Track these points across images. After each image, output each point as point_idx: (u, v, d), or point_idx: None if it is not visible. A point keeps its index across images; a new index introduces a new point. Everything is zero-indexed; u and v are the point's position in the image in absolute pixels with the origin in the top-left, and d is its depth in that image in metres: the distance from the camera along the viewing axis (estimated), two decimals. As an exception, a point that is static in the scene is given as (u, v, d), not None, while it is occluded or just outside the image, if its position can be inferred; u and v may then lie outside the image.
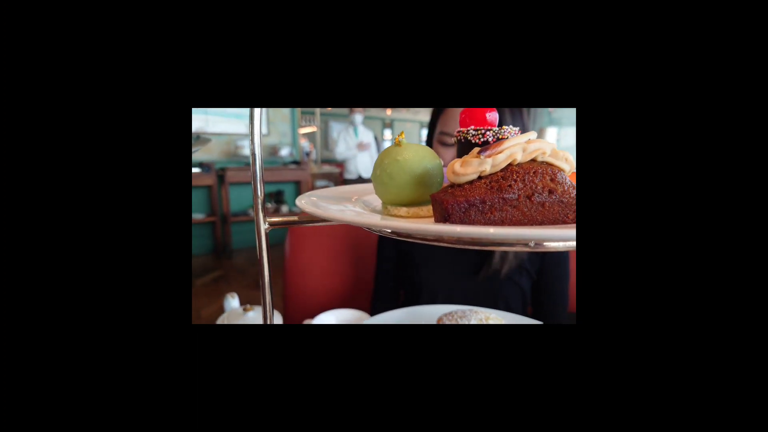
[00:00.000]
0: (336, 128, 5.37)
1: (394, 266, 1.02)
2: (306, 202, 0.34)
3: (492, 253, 0.90)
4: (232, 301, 1.00)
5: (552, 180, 0.30)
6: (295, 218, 0.40)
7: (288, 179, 4.12)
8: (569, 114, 3.63)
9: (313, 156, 5.10)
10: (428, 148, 0.38)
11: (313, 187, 4.28)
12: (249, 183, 3.83)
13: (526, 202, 0.29)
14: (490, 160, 0.30)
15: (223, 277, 3.34)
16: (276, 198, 4.15)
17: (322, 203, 0.35)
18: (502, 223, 0.29)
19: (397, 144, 0.37)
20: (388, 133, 5.89)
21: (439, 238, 0.27)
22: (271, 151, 4.15)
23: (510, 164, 0.30)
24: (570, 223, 0.30)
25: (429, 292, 0.94)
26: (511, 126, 0.36)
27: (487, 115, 0.38)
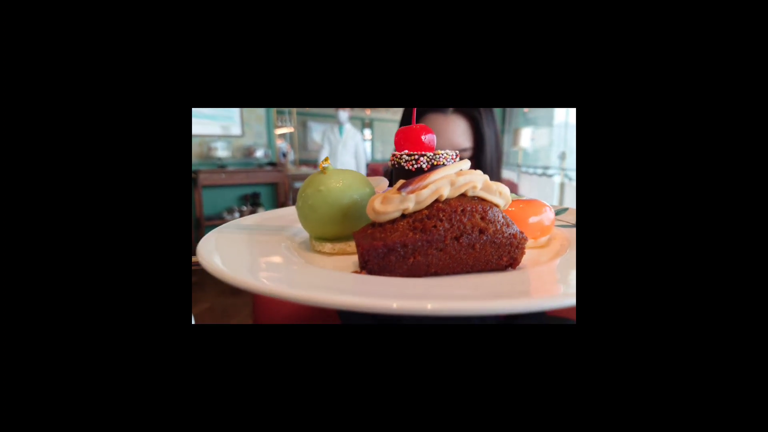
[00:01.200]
0: (317, 129, 5.29)
1: None
2: (206, 257, 0.28)
3: None
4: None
5: (483, 218, 0.26)
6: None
7: (264, 181, 4.04)
8: (545, 114, 3.66)
9: (291, 157, 5.01)
10: (359, 174, 0.34)
11: (290, 189, 4.22)
12: (223, 186, 3.73)
13: (453, 243, 0.26)
14: (413, 197, 0.26)
15: (197, 283, 3.23)
16: (252, 200, 4.06)
17: (227, 261, 0.28)
18: (426, 269, 0.26)
19: (321, 171, 0.33)
20: (368, 133, 5.86)
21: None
22: (246, 153, 4.05)
23: (436, 200, 0.26)
24: (504, 266, 0.27)
25: None
26: (447, 151, 0.33)
27: (423, 137, 0.34)
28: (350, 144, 3.87)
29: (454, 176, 0.27)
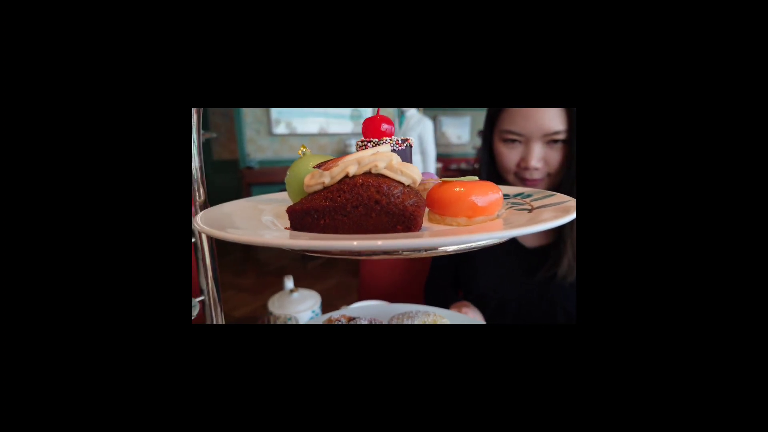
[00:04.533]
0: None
1: (449, 267, 1.04)
2: (203, 223, 0.35)
3: (552, 255, 0.85)
4: (288, 283, 1.16)
5: (378, 191, 0.32)
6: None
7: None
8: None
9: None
10: (327, 157, 0.42)
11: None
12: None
13: (353, 211, 0.32)
14: (327, 173, 0.33)
15: (329, 261, 3.74)
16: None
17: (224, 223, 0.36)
18: (334, 230, 0.33)
19: (300, 155, 0.42)
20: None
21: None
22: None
23: (345, 176, 0.33)
24: (401, 233, 0.32)
25: (481, 295, 0.94)
26: (392, 139, 0.38)
27: (382, 125, 0.40)
28: (412, 134, 3.55)
29: (362, 157, 0.33)
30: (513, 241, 0.92)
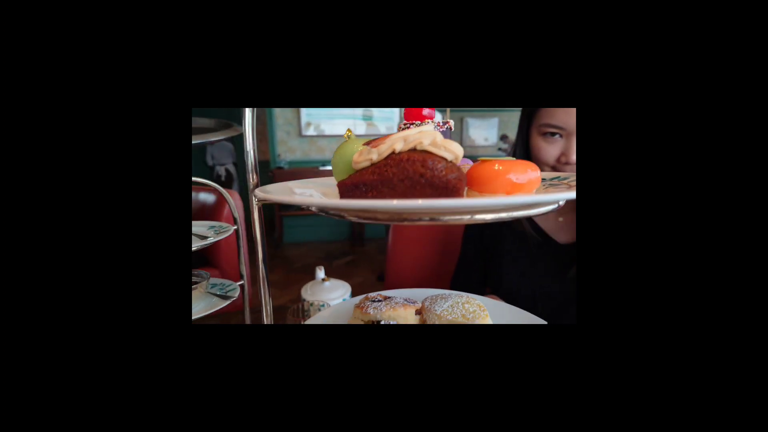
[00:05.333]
0: (474, 124, 5.29)
1: (477, 262, 1.05)
2: (263, 191, 0.42)
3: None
4: (319, 273, 1.20)
5: (423, 165, 0.34)
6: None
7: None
8: None
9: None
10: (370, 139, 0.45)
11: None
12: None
13: (400, 184, 0.35)
14: (375, 150, 0.36)
15: (354, 261, 3.79)
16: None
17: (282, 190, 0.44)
18: (381, 201, 0.36)
19: (345, 138, 0.45)
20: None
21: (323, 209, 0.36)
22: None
23: (392, 153, 0.36)
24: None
25: (511, 290, 0.94)
26: (432, 122, 0.41)
27: (424, 110, 0.43)
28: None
29: (408, 135, 0.35)
30: (544, 236, 0.92)
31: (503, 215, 0.31)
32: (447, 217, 0.30)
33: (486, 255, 1.02)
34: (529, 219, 0.95)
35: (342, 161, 0.44)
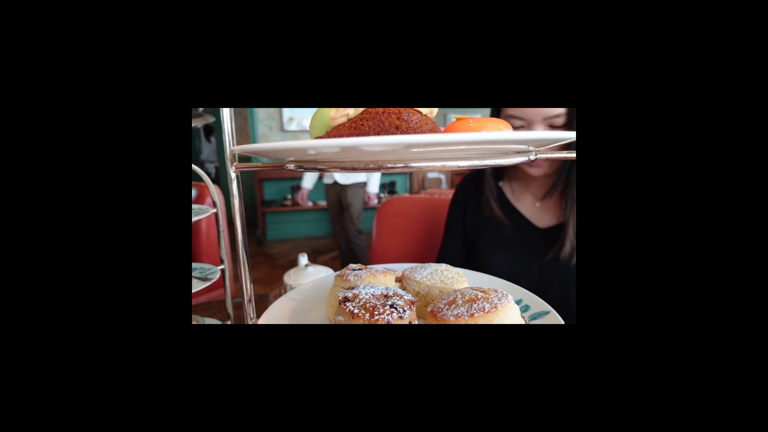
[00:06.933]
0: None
1: (459, 246, 1.06)
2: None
3: (559, 237, 0.88)
4: (302, 259, 1.20)
5: (398, 118, 0.35)
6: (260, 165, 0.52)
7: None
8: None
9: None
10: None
11: (423, 181, 4.43)
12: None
13: (374, 135, 0.35)
14: (351, 108, 0.37)
15: (339, 256, 3.78)
16: (389, 189, 4.45)
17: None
18: (357, 155, 0.36)
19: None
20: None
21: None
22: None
23: (367, 109, 0.36)
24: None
25: (493, 274, 0.96)
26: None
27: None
28: None
29: (383, 89, 0.36)
30: (524, 221, 0.94)
31: (476, 162, 0.32)
32: (417, 164, 0.31)
33: (468, 240, 1.04)
34: (509, 204, 0.97)
35: (320, 122, 0.44)
